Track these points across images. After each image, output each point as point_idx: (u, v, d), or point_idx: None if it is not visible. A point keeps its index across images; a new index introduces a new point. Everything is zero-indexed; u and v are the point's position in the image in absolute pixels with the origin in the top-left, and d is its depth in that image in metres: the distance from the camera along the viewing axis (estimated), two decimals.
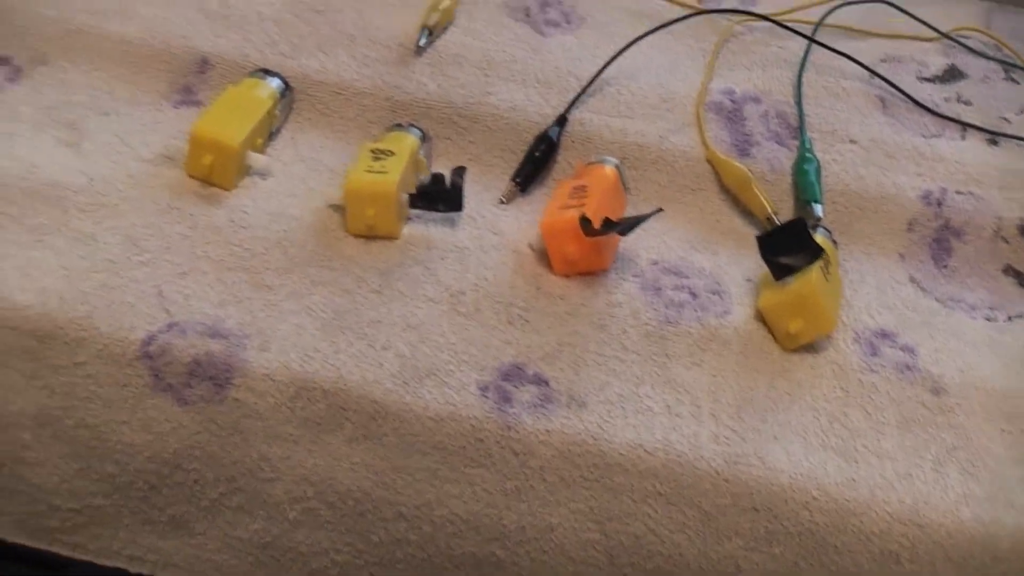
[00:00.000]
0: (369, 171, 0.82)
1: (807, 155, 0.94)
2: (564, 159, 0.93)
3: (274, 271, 0.79)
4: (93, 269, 0.77)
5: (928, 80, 1.07)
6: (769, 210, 0.89)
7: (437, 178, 0.83)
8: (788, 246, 0.81)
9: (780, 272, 0.81)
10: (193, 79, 0.92)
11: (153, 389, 0.73)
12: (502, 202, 0.88)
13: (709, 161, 0.94)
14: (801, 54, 1.05)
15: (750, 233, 0.90)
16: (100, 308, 0.74)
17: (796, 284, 0.81)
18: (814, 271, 0.80)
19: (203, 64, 0.93)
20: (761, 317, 0.83)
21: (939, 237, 0.93)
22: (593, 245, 0.81)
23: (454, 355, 0.76)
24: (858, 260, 0.90)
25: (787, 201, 0.93)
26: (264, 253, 0.80)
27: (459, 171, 0.83)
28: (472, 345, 0.77)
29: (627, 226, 0.80)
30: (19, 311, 0.74)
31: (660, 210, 0.82)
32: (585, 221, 0.79)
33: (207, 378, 0.73)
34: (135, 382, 0.73)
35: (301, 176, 0.87)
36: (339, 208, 0.83)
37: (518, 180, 0.89)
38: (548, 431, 0.73)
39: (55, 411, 0.73)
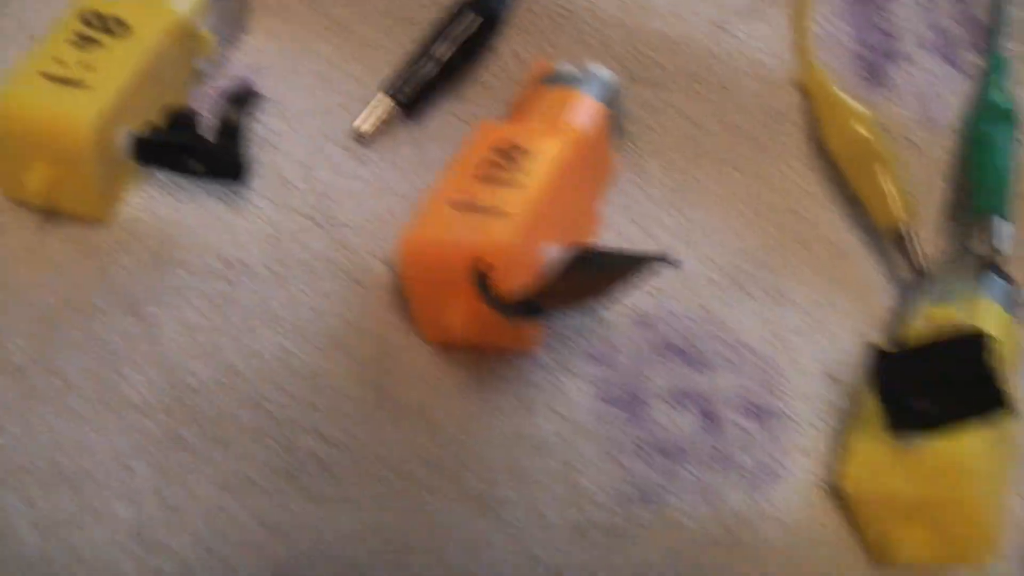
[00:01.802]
0: (50, 77, 0.37)
1: (998, 102, 0.47)
2: (510, 49, 0.46)
3: None
4: None
5: None
6: (901, 216, 0.44)
7: (182, 117, 0.37)
8: (936, 374, 0.37)
9: (905, 423, 0.37)
10: None
11: None
12: (360, 137, 0.43)
13: (805, 89, 0.47)
14: None
15: (857, 252, 0.45)
16: None
17: (932, 458, 0.37)
18: (978, 440, 0.37)
19: None
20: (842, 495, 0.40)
21: None
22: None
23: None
24: None
25: (933, 190, 0.47)
26: None
27: (240, 97, 0.38)
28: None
29: (601, 274, 0.36)
30: None
31: (678, 262, 0.37)
32: (481, 278, 0.35)
33: None
34: None
35: None
36: None
37: (398, 94, 0.43)
38: None
39: None
